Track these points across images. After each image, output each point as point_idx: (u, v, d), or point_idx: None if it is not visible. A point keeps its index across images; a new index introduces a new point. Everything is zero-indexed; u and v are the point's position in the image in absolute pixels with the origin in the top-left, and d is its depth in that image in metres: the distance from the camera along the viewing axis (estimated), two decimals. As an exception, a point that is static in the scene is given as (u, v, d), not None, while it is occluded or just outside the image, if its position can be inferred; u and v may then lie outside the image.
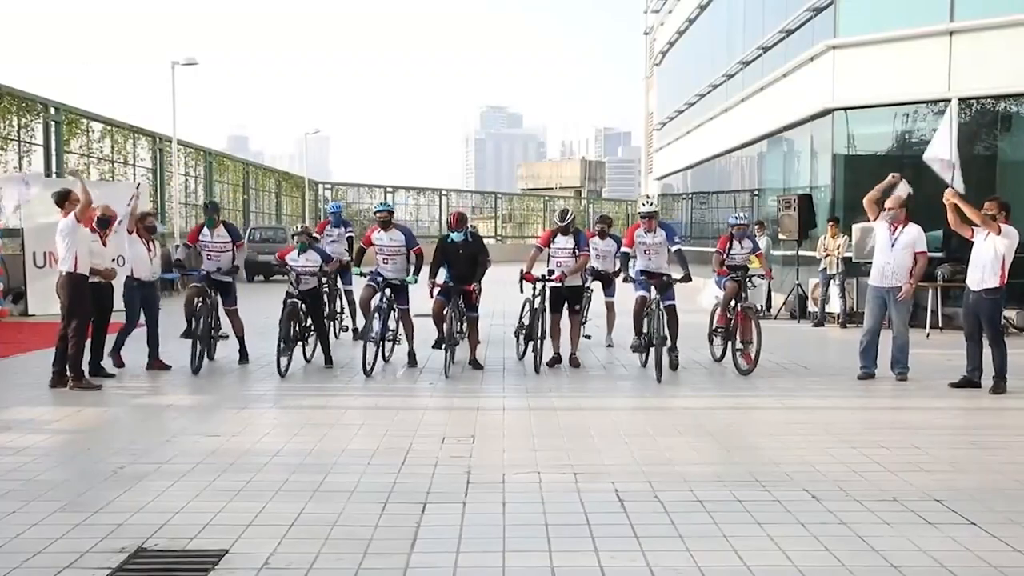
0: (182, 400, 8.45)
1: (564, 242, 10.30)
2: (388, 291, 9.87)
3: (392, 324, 10.13)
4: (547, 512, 4.98)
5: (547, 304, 10.12)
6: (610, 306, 12.23)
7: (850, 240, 14.85)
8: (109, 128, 24.03)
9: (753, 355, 9.82)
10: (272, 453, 6.31)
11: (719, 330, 10.57)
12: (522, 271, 9.98)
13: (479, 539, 4.56)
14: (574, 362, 10.27)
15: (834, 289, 15.12)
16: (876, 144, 16.44)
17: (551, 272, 10.22)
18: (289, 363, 9.56)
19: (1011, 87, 14.30)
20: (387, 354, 10.36)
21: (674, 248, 9.74)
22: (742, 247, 10.68)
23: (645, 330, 9.63)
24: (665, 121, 33.68)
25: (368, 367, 9.34)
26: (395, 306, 10.05)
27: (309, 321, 10.41)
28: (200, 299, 9.99)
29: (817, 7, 17.31)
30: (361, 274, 10.33)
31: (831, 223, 15.25)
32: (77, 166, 12.28)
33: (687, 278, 9.58)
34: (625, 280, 9.99)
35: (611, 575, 4.11)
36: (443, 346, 9.72)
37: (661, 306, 9.44)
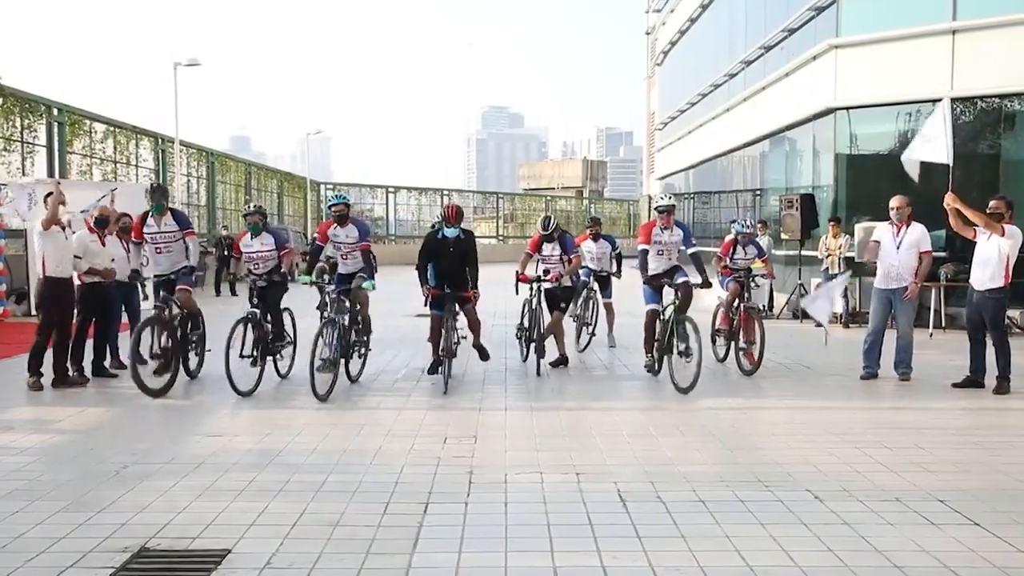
0: (184, 400, 8.45)
1: (550, 249, 10.25)
2: (342, 296, 8.89)
3: (354, 334, 9.10)
4: (549, 512, 4.98)
5: (544, 305, 10.05)
6: (608, 307, 12.21)
7: (852, 240, 14.84)
8: (112, 129, 24.07)
9: (756, 356, 9.79)
10: (274, 453, 6.32)
11: (721, 331, 10.56)
12: (517, 273, 9.94)
13: (481, 539, 4.56)
14: (541, 352, 9.82)
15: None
16: (878, 143, 16.43)
17: (546, 272, 10.16)
18: (258, 383, 8.56)
19: (1014, 86, 14.27)
20: (355, 373, 9.27)
21: (690, 251, 9.28)
22: (746, 253, 10.58)
23: (657, 339, 9.24)
24: (667, 121, 33.68)
25: (321, 393, 8.14)
26: (357, 279, 9.06)
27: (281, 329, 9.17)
28: (162, 313, 8.74)
29: (819, 6, 17.30)
30: (314, 283, 9.02)
31: (832, 223, 15.26)
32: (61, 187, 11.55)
33: (706, 284, 9.02)
34: (648, 282, 9.25)
35: (613, 575, 4.11)
36: (439, 369, 8.95)
37: (676, 288, 9.07)
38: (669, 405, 8.23)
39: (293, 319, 9.64)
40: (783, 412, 7.97)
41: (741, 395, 8.79)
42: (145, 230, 9.08)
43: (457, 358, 9.35)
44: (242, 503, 5.13)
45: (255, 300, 8.86)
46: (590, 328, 11.98)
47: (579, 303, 11.66)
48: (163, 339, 8.69)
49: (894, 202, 9.44)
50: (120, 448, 6.48)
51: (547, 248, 10.28)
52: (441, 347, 8.95)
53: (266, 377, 8.95)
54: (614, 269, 12.03)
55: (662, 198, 9.68)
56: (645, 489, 5.42)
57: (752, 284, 10.41)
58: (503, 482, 5.58)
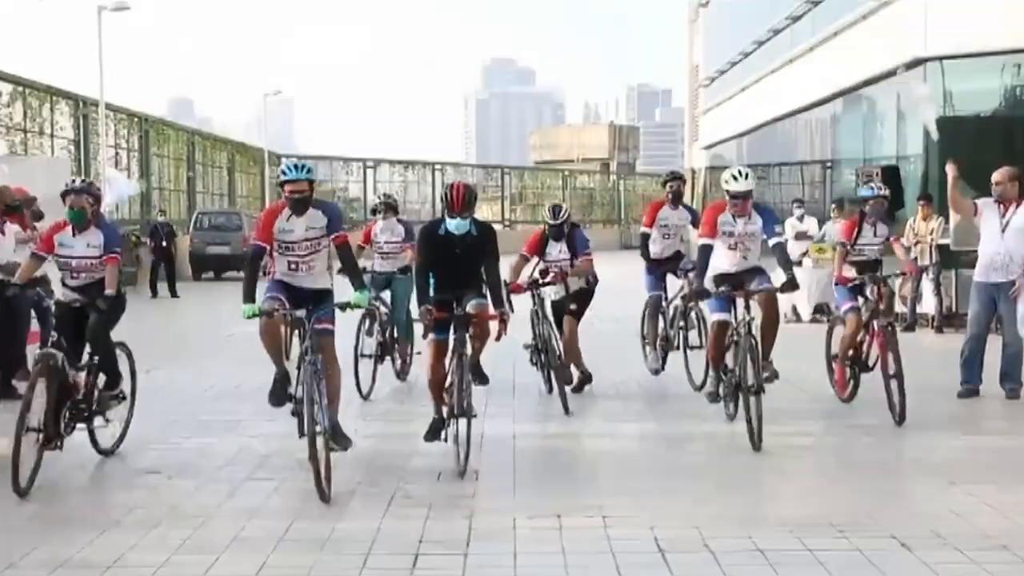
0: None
1: (557, 251, 9.59)
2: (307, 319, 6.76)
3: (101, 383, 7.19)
4: (569, 565, 4.99)
5: (552, 320, 9.53)
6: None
7: (947, 223, 14.78)
8: (20, 90, 24.14)
9: (898, 395, 8.34)
10: (224, 495, 6.34)
11: (839, 357, 9.40)
12: (506, 283, 8.59)
13: (484, 599, 4.58)
14: (565, 376, 9.29)
15: (927, 285, 15.06)
16: (980, 103, 16.40)
17: (544, 274, 9.60)
18: (34, 473, 6.39)
19: None
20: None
21: (773, 241, 8.11)
22: (876, 234, 9.14)
23: (731, 366, 8.14)
24: (714, 76, 33.68)
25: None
26: (314, 331, 6.70)
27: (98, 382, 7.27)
28: None
29: (905, -70, 17.28)
30: (261, 314, 6.71)
31: (923, 203, 15.17)
32: None
33: (791, 284, 8.05)
34: (699, 295, 8.29)
35: (650, 644, 4.11)
36: (443, 433, 7.17)
37: (755, 297, 8.06)
38: (718, 431, 8.21)
39: (131, 360, 7.81)
40: (860, 439, 7.97)
41: (808, 419, 8.78)
42: None
43: (477, 418, 7.44)
44: (183, 556, 5.15)
45: (55, 333, 7.01)
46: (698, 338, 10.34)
47: (671, 320, 10.47)
48: None
49: (997, 176, 9.39)
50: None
51: (553, 250, 9.63)
52: (448, 403, 7.24)
53: (221, 395, 8.92)
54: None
55: (735, 177, 8.08)
56: (689, 536, 5.42)
57: (882, 287, 9.09)
58: (511, 528, 5.58)
